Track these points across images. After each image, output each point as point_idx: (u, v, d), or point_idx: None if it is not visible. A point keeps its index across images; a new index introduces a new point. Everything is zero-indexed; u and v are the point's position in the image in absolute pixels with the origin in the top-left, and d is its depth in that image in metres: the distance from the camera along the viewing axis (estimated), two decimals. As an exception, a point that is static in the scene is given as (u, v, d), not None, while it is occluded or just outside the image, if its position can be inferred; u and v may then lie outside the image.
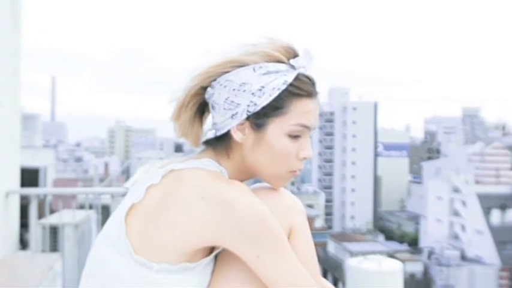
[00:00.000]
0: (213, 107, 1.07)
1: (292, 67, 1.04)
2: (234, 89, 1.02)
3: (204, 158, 1.06)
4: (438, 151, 75.48)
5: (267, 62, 1.03)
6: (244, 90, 1.02)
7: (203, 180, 0.98)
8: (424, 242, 48.94)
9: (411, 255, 45.19)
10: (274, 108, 1.01)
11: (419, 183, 64.56)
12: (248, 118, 1.03)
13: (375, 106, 69.99)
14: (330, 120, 72.28)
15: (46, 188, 6.90)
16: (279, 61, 1.04)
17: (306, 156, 1.06)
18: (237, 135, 1.04)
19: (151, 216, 0.98)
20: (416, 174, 70.58)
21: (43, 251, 4.25)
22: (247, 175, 1.09)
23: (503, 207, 42.69)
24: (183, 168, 1.02)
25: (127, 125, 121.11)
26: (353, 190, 67.31)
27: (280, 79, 1.02)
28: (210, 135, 1.10)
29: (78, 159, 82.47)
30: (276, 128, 1.02)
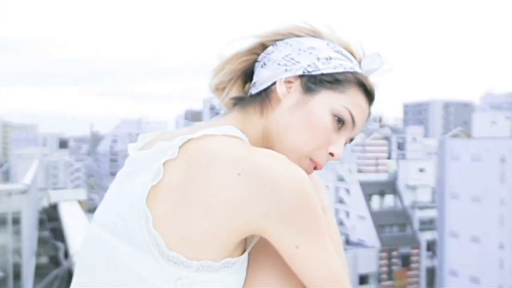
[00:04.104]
0: (263, 65, 0.96)
1: (360, 68, 0.96)
2: (299, 49, 0.94)
3: (225, 125, 0.89)
4: (323, 142, 79.21)
5: (341, 47, 0.96)
6: (311, 53, 0.93)
7: (237, 151, 0.82)
8: (312, 230, 51.18)
9: (301, 242, 47.03)
10: (334, 80, 0.92)
11: (306, 173, 67.37)
12: (301, 77, 0.92)
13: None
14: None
15: None
16: (352, 54, 0.96)
17: (334, 153, 0.92)
18: (281, 88, 0.92)
19: (178, 200, 0.80)
20: (304, 165, 73.59)
21: None
22: (266, 146, 0.92)
23: (382, 194, 46.08)
24: (205, 136, 0.84)
25: (4, 120, 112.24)
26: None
27: (349, 64, 0.94)
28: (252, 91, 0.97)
29: None
30: (326, 99, 0.91)
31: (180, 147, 0.83)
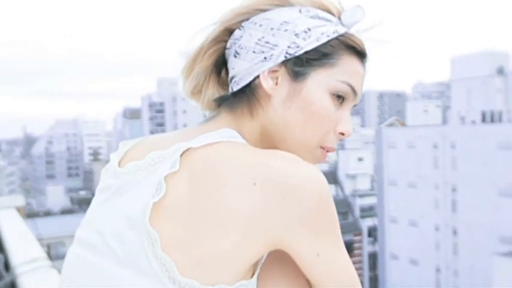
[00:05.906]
0: (236, 55, 0.84)
1: (342, 23, 0.85)
2: (272, 28, 0.82)
3: (221, 129, 0.80)
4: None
5: (315, 8, 0.85)
6: (286, 30, 0.81)
7: (247, 158, 0.73)
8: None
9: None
10: (321, 55, 0.81)
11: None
12: (285, 63, 0.82)
13: (204, 95, 71.31)
14: (161, 111, 71.76)
15: None
16: (329, 12, 0.85)
17: (344, 131, 0.84)
18: (267, 83, 0.82)
19: (187, 219, 0.70)
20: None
21: None
22: (268, 147, 0.83)
23: (323, 184, 47.15)
24: (207, 145, 0.75)
25: None
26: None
27: (330, 27, 0.83)
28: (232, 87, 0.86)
29: None
30: (319, 80, 0.82)
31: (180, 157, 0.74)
